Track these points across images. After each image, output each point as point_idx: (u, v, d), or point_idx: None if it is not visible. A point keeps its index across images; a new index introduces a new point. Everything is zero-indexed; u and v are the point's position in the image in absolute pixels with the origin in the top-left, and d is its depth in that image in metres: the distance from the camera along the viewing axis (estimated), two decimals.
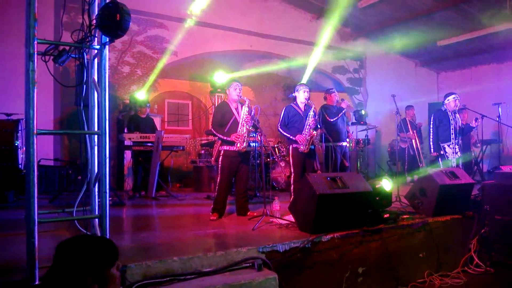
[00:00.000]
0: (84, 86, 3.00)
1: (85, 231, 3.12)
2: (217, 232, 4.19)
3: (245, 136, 4.94)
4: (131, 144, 7.08)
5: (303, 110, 5.54)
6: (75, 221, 3.16)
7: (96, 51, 3.00)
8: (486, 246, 4.86)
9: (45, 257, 2.43)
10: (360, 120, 9.51)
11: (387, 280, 4.17)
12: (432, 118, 6.74)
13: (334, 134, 6.17)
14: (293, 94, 5.70)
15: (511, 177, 4.95)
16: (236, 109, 5.11)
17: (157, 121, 8.36)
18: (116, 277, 1.78)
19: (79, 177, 7.22)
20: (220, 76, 8.76)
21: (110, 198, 4.75)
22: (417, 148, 7.98)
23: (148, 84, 8.80)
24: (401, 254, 4.32)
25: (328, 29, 11.16)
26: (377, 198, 4.45)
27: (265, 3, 10.15)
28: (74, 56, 2.94)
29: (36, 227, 2.56)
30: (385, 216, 4.42)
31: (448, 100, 6.55)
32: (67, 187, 7.24)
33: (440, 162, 6.54)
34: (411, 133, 8.30)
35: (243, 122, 4.99)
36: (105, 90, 2.91)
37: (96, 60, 3.05)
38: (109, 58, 3.04)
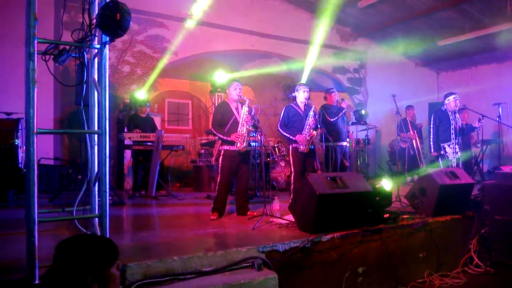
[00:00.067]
0: (84, 85, 3.00)
1: (85, 231, 3.12)
2: (217, 232, 4.19)
3: (245, 136, 4.94)
4: (131, 143, 7.09)
5: (303, 110, 5.54)
6: (75, 220, 3.17)
7: (96, 50, 3.00)
8: (486, 246, 4.86)
9: (45, 256, 2.43)
10: (360, 120, 9.51)
11: (387, 280, 4.17)
12: (432, 118, 6.74)
13: (334, 134, 6.16)
14: (293, 94, 5.70)
15: (511, 177, 4.95)
16: (236, 109, 5.11)
17: (157, 120, 8.36)
18: (116, 277, 1.78)
19: (79, 176, 7.23)
20: (220, 76, 8.76)
21: (110, 198, 4.75)
22: (417, 148, 7.99)
23: (148, 84, 8.80)
24: (401, 254, 4.33)
25: (328, 29, 11.18)
26: (377, 198, 4.45)
27: (266, 3, 10.15)
28: (74, 55, 2.94)
29: (36, 226, 2.56)
30: (385, 216, 4.42)
31: (449, 100, 6.55)
32: (67, 186, 7.24)
33: (440, 162, 6.54)
34: (412, 133, 8.31)
35: (243, 122, 4.99)
36: (105, 90, 2.91)
37: (96, 59, 3.05)
38: (109, 58, 3.04)
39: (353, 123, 9.57)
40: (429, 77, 13.15)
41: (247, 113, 5.01)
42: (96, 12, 2.91)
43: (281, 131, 5.51)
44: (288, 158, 5.63)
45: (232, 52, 9.71)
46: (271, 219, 4.55)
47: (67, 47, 2.89)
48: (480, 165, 8.43)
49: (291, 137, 5.40)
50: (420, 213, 4.91)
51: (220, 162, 5.00)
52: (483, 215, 4.97)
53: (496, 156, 8.70)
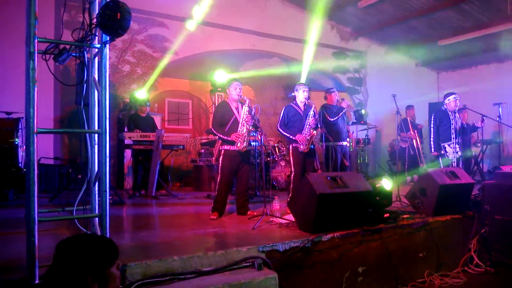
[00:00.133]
0: (85, 85, 2.99)
1: (85, 230, 3.12)
2: (217, 232, 4.19)
3: (245, 136, 4.94)
4: (131, 143, 7.09)
5: (302, 109, 5.53)
6: (75, 220, 3.17)
7: (96, 50, 2.99)
8: (486, 246, 4.86)
9: (45, 256, 2.43)
10: (360, 119, 9.51)
11: (387, 280, 4.17)
12: (432, 117, 6.73)
13: (334, 134, 6.16)
14: (293, 94, 5.69)
15: (511, 177, 4.95)
16: (237, 108, 5.11)
17: (157, 120, 8.36)
18: (116, 276, 1.78)
19: (79, 176, 7.23)
20: (221, 75, 8.76)
21: (110, 197, 4.75)
22: (417, 147, 7.99)
23: (148, 83, 8.80)
24: (401, 254, 4.32)
25: (328, 29, 11.20)
26: (377, 198, 4.44)
27: (266, 2, 10.14)
28: (74, 54, 2.94)
29: (36, 225, 2.56)
30: (385, 215, 4.42)
31: (449, 100, 6.55)
32: (67, 186, 7.24)
33: (441, 162, 6.54)
34: (412, 132, 8.31)
35: (243, 121, 4.99)
36: (105, 89, 2.91)
37: (96, 59, 3.05)
38: (109, 57, 3.04)
39: (353, 123, 9.56)
40: (429, 77, 13.15)
41: (247, 113, 5.01)
42: (97, 11, 2.92)
43: (281, 130, 5.51)
44: (288, 157, 5.62)
45: (232, 52, 9.70)
46: (271, 219, 4.55)
47: (68, 46, 2.89)
48: (480, 165, 8.43)
49: (291, 136, 5.39)
50: (420, 213, 4.91)
51: (220, 162, 5.00)
52: (483, 215, 4.97)
53: (496, 156, 8.70)
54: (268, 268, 3.22)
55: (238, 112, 5.07)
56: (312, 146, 5.46)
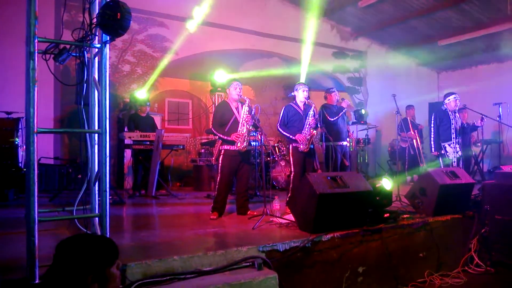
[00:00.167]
0: (85, 84, 2.99)
1: (85, 230, 3.12)
2: (217, 231, 4.19)
3: (245, 136, 4.94)
4: (131, 143, 7.09)
5: (302, 109, 5.52)
6: (75, 220, 3.17)
7: (96, 49, 2.99)
8: (486, 246, 4.86)
9: (45, 256, 2.43)
10: (360, 119, 9.51)
11: (387, 280, 4.16)
12: (432, 117, 6.73)
13: (334, 134, 6.16)
14: (292, 93, 5.68)
15: (511, 177, 4.95)
16: (237, 108, 5.11)
17: (157, 120, 8.37)
18: (116, 276, 1.78)
19: (79, 176, 7.23)
20: (220, 75, 8.76)
21: (110, 197, 4.75)
22: (417, 147, 7.99)
23: (148, 83, 8.80)
24: (401, 254, 4.32)
25: (328, 29, 11.19)
26: (377, 198, 4.44)
27: (266, 2, 10.14)
28: (74, 54, 2.94)
29: (36, 225, 2.56)
30: (385, 215, 4.42)
31: (449, 100, 6.55)
32: (67, 185, 7.24)
33: (441, 162, 6.54)
34: (412, 132, 8.30)
35: (243, 121, 4.99)
36: (105, 89, 2.91)
37: (96, 58, 3.05)
38: (109, 57, 3.04)
39: (353, 123, 9.56)
40: (429, 77, 13.15)
41: (247, 113, 5.00)
42: (97, 11, 2.92)
43: (280, 130, 5.50)
44: (288, 157, 5.62)
45: (232, 52, 9.70)
46: (271, 219, 4.55)
47: (68, 46, 2.89)
48: (480, 164, 8.43)
49: (291, 136, 5.39)
50: (420, 213, 4.90)
51: (220, 162, 5.00)
52: (483, 214, 4.97)
53: (496, 156, 8.70)
54: (268, 268, 3.22)
55: (238, 112, 5.07)
56: (312, 146, 5.46)
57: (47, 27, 7.16)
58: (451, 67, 12.72)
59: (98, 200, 3.08)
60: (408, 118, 9.08)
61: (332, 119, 6.33)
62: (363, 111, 9.58)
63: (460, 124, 6.67)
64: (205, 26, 9.19)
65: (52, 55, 2.85)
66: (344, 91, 11.48)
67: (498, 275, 4.65)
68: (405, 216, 4.71)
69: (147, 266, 2.87)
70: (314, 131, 5.38)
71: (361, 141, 9.26)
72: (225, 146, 4.99)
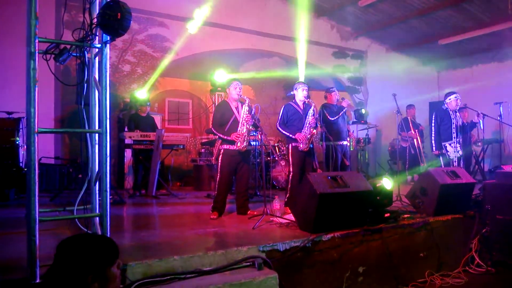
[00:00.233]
0: (85, 84, 2.99)
1: (85, 230, 3.12)
2: (217, 231, 4.19)
3: (245, 135, 4.94)
4: (132, 142, 7.10)
5: (302, 108, 5.51)
6: (76, 219, 3.17)
7: (97, 49, 2.99)
8: (487, 245, 4.85)
9: (45, 256, 2.44)
10: (360, 119, 9.51)
11: (388, 280, 4.16)
12: (433, 116, 6.72)
13: (334, 133, 6.15)
14: (292, 92, 5.67)
15: None
16: (236, 108, 5.11)
17: (157, 119, 8.37)
18: (117, 276, 1.78)
19: (80, 176, 7.22)
20: (221, 75, 8.76)
21: (110, 197, 4.75)
22: (418, 147, 7.99)
23: (149, 83, 8.80)
24: (401, 254, 4.32)
25: (328, 28, 11.19)
26: (378, 198, 4.43)
27: (266, 2, 10.13)
28: (75, 54, 2.94)
29: (37, 225, 2.56)
30: (386, 215, 4.42)
31: (450, 99, 6.54)
32: (68, 185, 7.25)
33: (441, 161, 6.54)
34: (413, 132, 8.30)
35: (243, 121, 4.98)
36: (106, 89, 2.91)
37: (97, 58, 3.05)
38: (110, 57, 3.04)
39: (353, 122, 9.57)
40: (429, 76, 13.13)
41: (247, 113, 5.00)
42: (97, 11, 2.92)
43: (280, 129, 5.47)
44: (287, 157, 5.61)
45: (232, 51, 9.70)
46: (271, 219, 4.54)
47: (68, 46, 2.89)
48: (481, 164, 8.43)
49: (290, 135, 5.36)
50: (421, 213, 4.90)
51: (220, 161, 5.00)
52: (484, 214, 4.96)
53: (497, 155, 8.70)
54: (268, 267, 3.21)
55: (238, 112, 5.07)
56: (311, 146, 5.44)
57: (48, 27, 7.17)
58: (452, 67, 12.71)
59: (99, 199, 3.09)
60: (408, 117, 9.07)
61: (333, 119, 6.32)
62: (363, 111, 9.58)
63: (461, 123, 6.67)
64: (205, 26, 9.18)
65: (53, 55, 2.85)
66: (344, 91, 11.48)
67: (499, 275, 4.64)
68: (405, 216, 4.70)
69: (148, 266, 2.88)
70: (314, 131, 5.37)
71: (362, 140, 9.26)
72: (225, 145, 4.99)
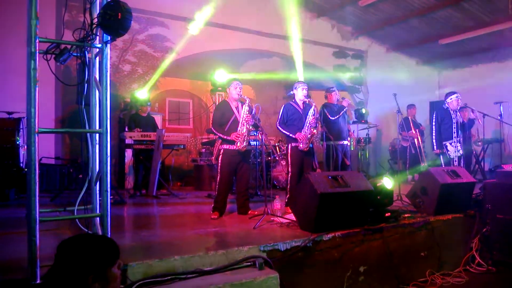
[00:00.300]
0: (86, 84, 2.99)
1: (86, 230, 3.12)
2: (218, 231, 4.19)
3: (245, 136, 4.93)
4: (132, 142, 7.09)
5: (302, 108, 5.49)
6: (77, 219, 3.17)
7: (97, 49, 2.99)
8: (488, 245, 4.85)
9: (46, 256, 2.44)
10: (361, 118, 9.50)
11: (389, 279, 4.16)
12: (434, 116, 6.72)
13: (335, 133, 6.15)
14: (292, 92, 5.66)
15: None
16: (237, 108, 5.11)
17: (158, 119, 8.36)
18: (117, 276, 1.78)
19: (80, 176, 7.22)
20: (221, 75, 8.75)
21: (111, 197, 4.75)
22: (419, 146, 7.98)
23: (150, 83, 8.80)
24: (402, 253, 4.32)
25: (329, 28, 11.18)
26: (378, 197, 4.43)
27: (266, 2, 10.12)
28: (75, 54, 2.94)
29: (37, 225, 2.56)
30: (387, 215, 4.42)
31: (451, 99, 6.54)
32: (68, 185, 7.25)
33: (442, 160, 6.54)
34: (413, 131, 8.29)
35: (243, 121, 4.98)
36: (106, 89, 2.91)
37: (97, 58, 3.05)
38: (110, 57, 3.04)
39: (354, 122, 9.57)
40: (430, 76, 13.13)
41: (247, 113, 5.00)
42: (98, 11, 2.92)
43: (280, 128, 5.44)
44: (287, 157, 5.59)
45: (232, 51, 9.69)
46: (272, 218, 4.54)
47: (69, 46, 2.89)
48: (482, 163, 8.43)
49: (290, 134, 5.34)
50: (422, 212, 4.90)
51: (219, 161, 4.99)
52: (484, 213, 4.96)
53: (498, 155, 8.70)
54: (269, 267, 3.21)
55: (238, 112, 5.07)
56: (311, 145, 5.43)
57: (48, 27, 7.15)
58: (452, 66, 12.71)
59: (99, 200, 3.09)
60: (409, 117, 9.08)
61: (333, 118, 6.32)
62: (363, 110, 9.57)
63: (461, 121, 6.67)
64: (206, 26, 9.18)
65: (53, 55, 2.85)
66: (345, 90, 11.47)
67: (499, 274, 4.64)
68: (406, 215, 4.70)
69: (148, 266, 2.88)
70: (315, 130, 5.36)
71: (362, 140, 9.25)
72: (225, 145, 4.98)
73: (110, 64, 3.01)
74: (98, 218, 3.02)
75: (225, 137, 4.93)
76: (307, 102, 5.46)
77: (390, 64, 11.94)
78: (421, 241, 4.55)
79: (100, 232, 2.94)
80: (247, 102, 5.03)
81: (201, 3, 8.89)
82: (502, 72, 10.95)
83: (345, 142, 6.44)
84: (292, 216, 4.34)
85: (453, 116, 6.51)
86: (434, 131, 6.63)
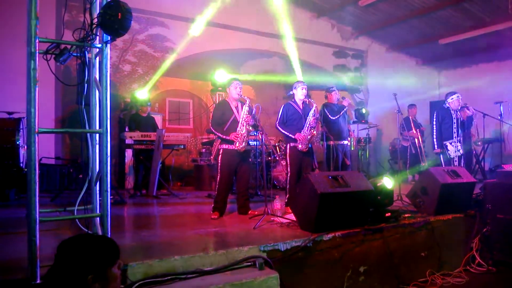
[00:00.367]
0: (86, 84, 2.99)
1: (86, 230, 3.12)
2: (218, 231, 4.19)
3: (244, 136, 4.92)
4: (132, 142, 7.09)
5: (301, 108, 5.47)
6: (77, 220, 3.16)
7: (97, 49, 2.99)
8: (488, 245, 4.85)
9: (46, 256, 2.44)
10: (361, 118, 9.50)
11: (389, 279, 4.16)
12: (435, 115, 6.72)
13: (335, 133, 6.15)
14: (291, 92, 5.65)
15: None
16: (236, 108, 5.10)
17: (158, 119, 8.36)
18: (117, 276, 1.78)
19: (80, 176, 7.22)
20: (221, 75, 8.75)
21: (111, 197, 4.75)
22: (419, 146, 7.98)
23: (150, 83, 8.80)
24: (402, 253, 4.32)
25: (329, 28, 11.18)
26: (379, 197, 4.43)
27: (266, 1, 10.11)
28: (75, 54, 2.94)
29: (37, 225, 2.56)
30: (387, 215, 4.41)
31: (452, 99, 6.55)
32: (69, 185, 7.24)
33: (442, 159, 6.54)
34: (414, 131, 8.29)
35: (243, 121, 4.97)
36: (106, 89, 2.91)
37: (97, 58, 3.05)
38: (110, 57, 3.03)
39: (354, 122, 9.57)
40: (430, 76, 13.12)
41: (247, 113, 4.99)
42: (98, 11, 2.91)
43: (279, 128, 5.42)
44: (286, 157, 5.58)
45: (232, 51, 9.68)
46: (272, 218, 4.54)
47: (69, 46, 2.89)
48: (482, 163, 8.42)
49: (290, 135, 5.33)
50: (422, 212, 4.90)
51: (219, 161, 4.99)
52: (485, 213, 4.96)
53: (498, 155, 8.69)
54: (269, 267, 3.21)
55: (237, 112, 5.06)
56: (310, 145, 5.41)
57: (48, 27, 7.15)
58: (452, 66, 12.71)
59: (99, 200, 3.08)
60: (410, 117, 9.07)
61: (333, 118, 6.31)
62: (363, 110, 9.57)
63: (461, 120, 6.68)
64: (206, 26, 9.17)
65: (53, 55, 2.85)
66: (345, 90, 11.45)
67: (500, 275, 4.64)
68: (406, 215, 4.70)
69: (148, 266, 2.87)
70: (314, 132, 5.35)
71: (362, 140, 9.26)
72: (224, 145, 4.98)
73: (110, 64, 3.01)
74: (98, 218, 3.01)
75: (224, 136, 4.93)
76: (307, 102, 5.45)
77: (390, 64, 11.94)
78: (421, 241, 4.55)
79: (100, 232, 2.94)
80: (248, 102, 5.02)
81: (201, 3, 8.89)
82: (502, 72, 10.95)
83: (345, 142, 6.44)
84: (292, 216, 4.34)
85: (453, 116, 6.52)
86: (434, 131, 6.64)
